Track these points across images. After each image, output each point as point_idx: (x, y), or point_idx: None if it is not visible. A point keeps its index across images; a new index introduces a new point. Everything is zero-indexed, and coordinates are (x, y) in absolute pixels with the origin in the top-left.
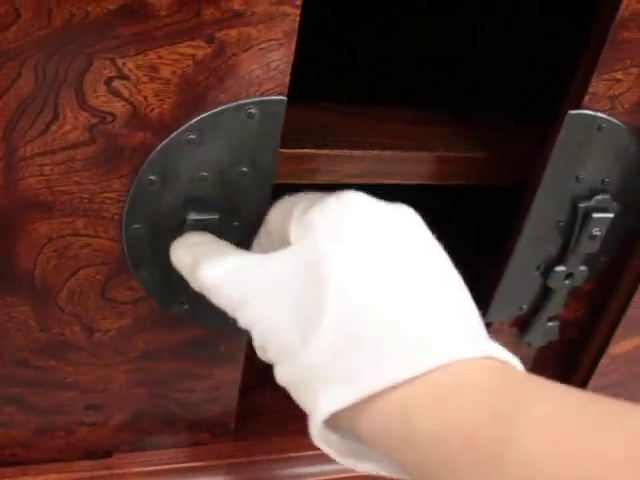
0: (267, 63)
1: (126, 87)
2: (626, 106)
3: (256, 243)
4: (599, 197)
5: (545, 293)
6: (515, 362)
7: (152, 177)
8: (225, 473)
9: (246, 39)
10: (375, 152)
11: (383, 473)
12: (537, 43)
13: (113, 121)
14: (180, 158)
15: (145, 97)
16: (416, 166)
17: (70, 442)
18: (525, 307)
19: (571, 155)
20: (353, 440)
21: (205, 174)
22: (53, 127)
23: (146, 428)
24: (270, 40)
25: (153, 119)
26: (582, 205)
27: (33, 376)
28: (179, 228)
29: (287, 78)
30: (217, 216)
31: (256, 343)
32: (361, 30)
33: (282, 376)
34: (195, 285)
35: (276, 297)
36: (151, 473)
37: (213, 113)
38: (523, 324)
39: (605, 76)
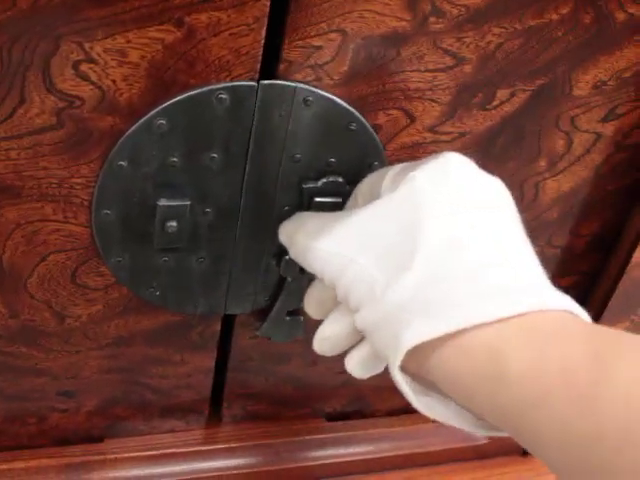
0: (237, 48)
1: (94, 71)
2: (335, 78)
3: (346, 208)
4: (325, 179)
5: (280, 284)
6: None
7: (121, 162)
8: (225, 458)
9: (216, 24)
10: None
11: (452, 422)
12: None
13: (81, 105)
14: (150, 143)
15: (114, 81)
16: None
17: (42, 429)
18: (266, 299)
19: (275, 131)
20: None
21: (175, 160)
22: (20, 111)
23: (119, 414)
24: (240, 25)
25: (122, 104)
26: (306, 187)
27: (3, 362)
28: (150, 214)
29: (258, 63)
30: (188, 202)
31: (339, 293)
32: None
33: (364, 318)
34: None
35: (370, 242)
36: (145, 457)
37: (183, 98)
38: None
39: (299, 42)
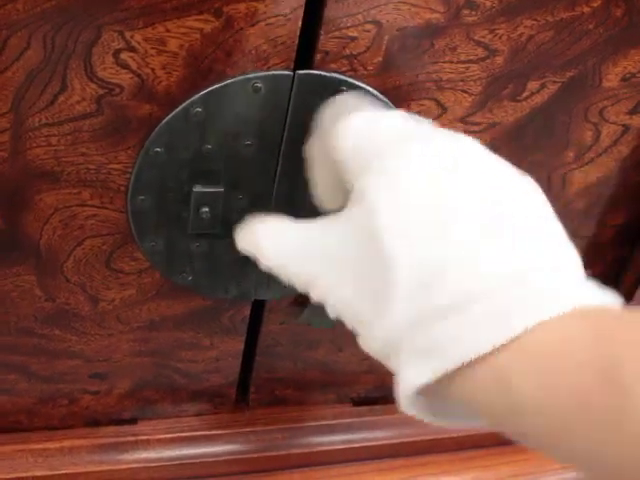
0: (274, 38)
1: (134, 59)
2: (369, 68)
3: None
4: None
5: None
6: (613, 301)
7: (158, 149)
8: (251, 442)
9: (253, 14)
10: None
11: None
12: None
13: (120, 93)
14: (186, 131)
15: (153, 70)
16: None
17: (73, 410)
18: None
19: (309, 120)
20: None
21: (210, 147)
22: (61, 98)
23: (149, 397)
24: (277, 15)
25: (160, 92)
26: None
27: (37, 344)
28: (184, 200)
29: (294, 53)
30: (222, 189)
31: (333, 316)
32: None
33: (364, 347)
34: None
35: (337, 268)
36: (173, 440)
37: (219, 87)
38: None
39: (336, 33)
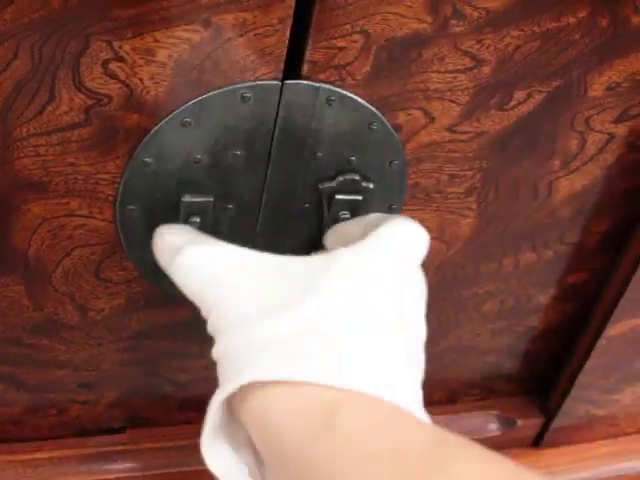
0: (262, 48)
1: (122, 69)
2: (358, 78)
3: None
4: (342, 178)
5: None
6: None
7: (147, 159)
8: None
9: (242, 24)
10: None
11: (220, 473)
12: None
13: (109, 103)
14: (175, 141)
15: (141, 80)
16: None
17: (62, 420)
18: None
19: (298, 130)
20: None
21: (199, 157)
22: (49, 108)
23: (138, 406)
24: (266, 25)
25: (149, 102)
26: (325, 186)
27: (25, 354)
28: (173, 210)
29: (282, 63)
30: (211, 199)
31: (210, 319)
32: None
33: (223, 346)
34: (174, 268)
35: (254, 284)
36: (162, 448)
37: (208, 97)
38: None
39: (324, 43)
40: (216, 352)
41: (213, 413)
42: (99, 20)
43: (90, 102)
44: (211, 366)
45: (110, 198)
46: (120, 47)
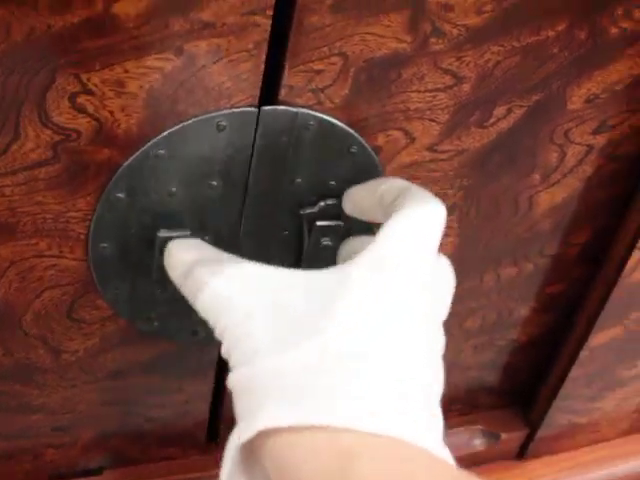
0: (237, 74)
1: (91, 103)
2: (336, 101)
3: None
4: (324, 203)
5: None
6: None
7: (119, 194)
8: None
9: (216, 50)
10: None
11: None
12: None
13: (78, 138)
14: (148, 174)
15: (111, 112)
16: None
17: (37, 465)
18: None
19: (276, 157)
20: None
21: (174, 189)
22: (14, 147)
23: (116, 445)
24: (241, 51)
25: (120, 135)
26: (305, 212)
27: None
28: (149, 245)
29: (258, 89)
30: (188, 232)
31: (224, 345)
32: None
33: (236, 377)
34: (188, 287)
35: (275, 309)
36: None
37: (182, 127)
38: None
39: (301, 67)
40: (230, 382)
41: (230, 456)
42: (65, 52)
43: (58, 138)
44: (190, 400)
45: (81, 236)
46: (88, 79)
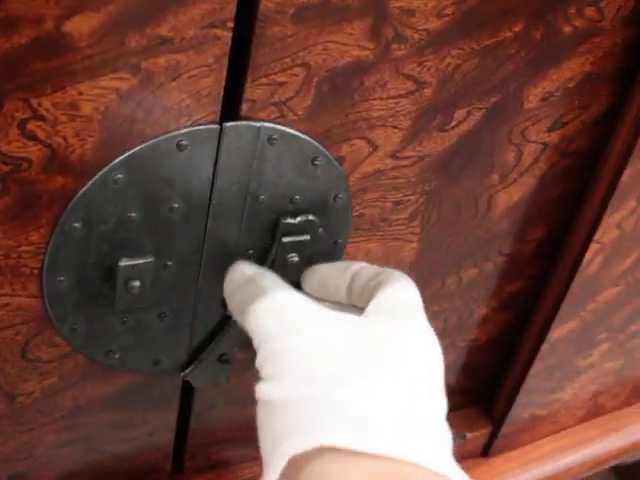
0: (198, 91)
1: (42, 129)
2: (299, 113)
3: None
4: (287, 220)
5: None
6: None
7: (75, 224)
8: None
9: (175, 67)
10: None
11: None
12: None
13: (29, 168)
14: (106, 200)
15: (64, 138)
16: None
17: None
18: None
19: (239, 174)
20: None
21: (133, 215)
22: None
23: None
24: (201, 66)
25: (74, 161)
26: (268, 230)
27: None
28: (108, 274)
29: (219, 105)
30: (150, 259)
31: (259, 355)
32: None
33: (284, 394)
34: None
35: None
36: None
37: (141, 149)
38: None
39: (263, 80)
40: (271, 394)
41: (278, 465)
42: (12, 76)
43: (6, 169)
44: (155, 431)
45: (35, 271)
46: (39, 104)
